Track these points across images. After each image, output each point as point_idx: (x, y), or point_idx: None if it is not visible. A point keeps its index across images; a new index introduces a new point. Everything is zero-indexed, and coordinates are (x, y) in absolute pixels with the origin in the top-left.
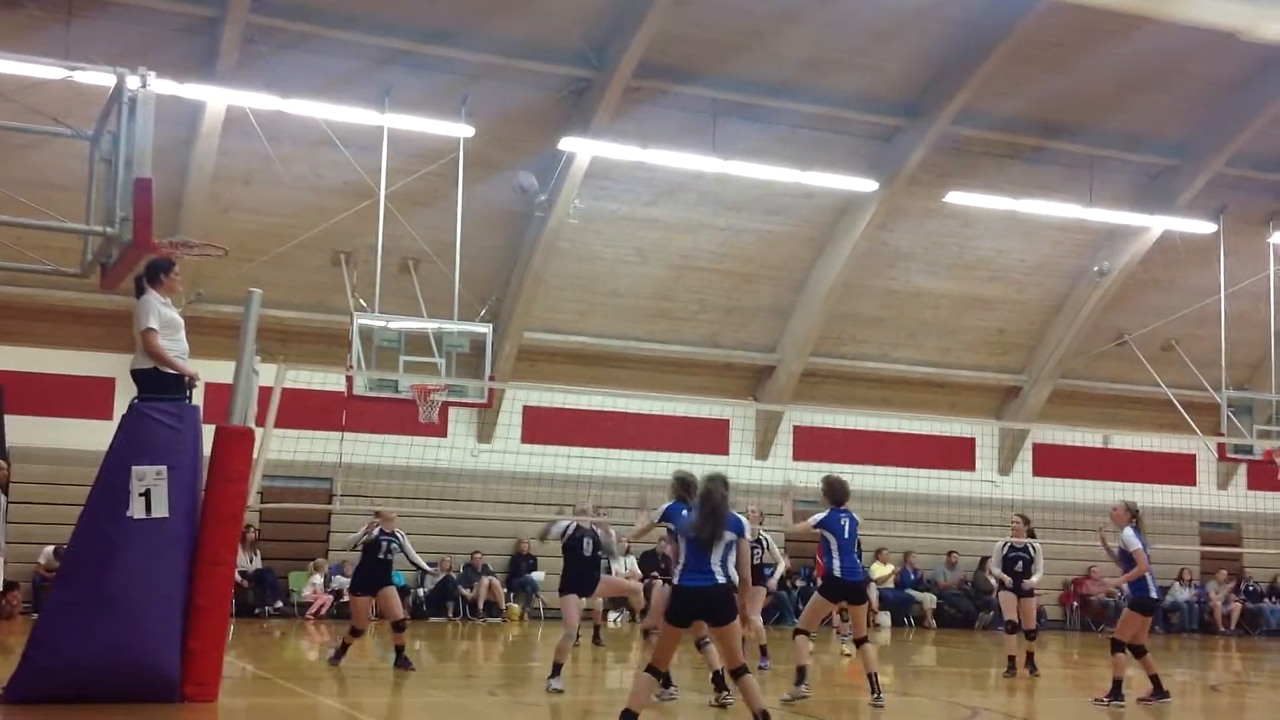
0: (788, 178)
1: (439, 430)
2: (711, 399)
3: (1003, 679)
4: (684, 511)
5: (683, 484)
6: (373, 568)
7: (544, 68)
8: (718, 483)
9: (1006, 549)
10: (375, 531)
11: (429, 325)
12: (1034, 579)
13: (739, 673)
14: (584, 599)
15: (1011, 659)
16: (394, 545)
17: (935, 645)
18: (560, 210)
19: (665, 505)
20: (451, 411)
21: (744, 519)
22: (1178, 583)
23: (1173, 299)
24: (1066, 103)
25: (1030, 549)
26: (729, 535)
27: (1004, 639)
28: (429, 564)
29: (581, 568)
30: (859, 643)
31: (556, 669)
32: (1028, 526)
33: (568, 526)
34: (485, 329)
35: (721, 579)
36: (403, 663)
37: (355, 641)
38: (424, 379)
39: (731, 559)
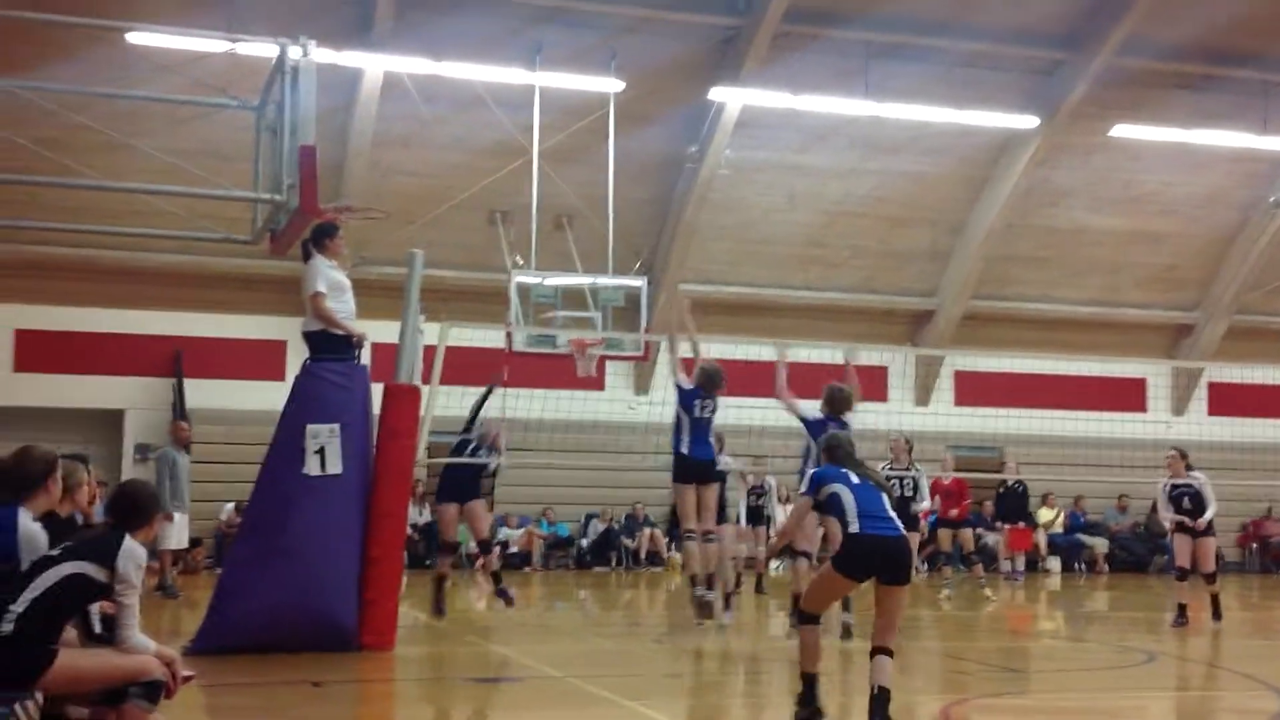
0: (944, 118)
1: (596, 384)
2: (869, 345)
3: (1172, 627)
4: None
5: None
6: (459, 471)
7: (692, 18)
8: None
9: (1169, 489)
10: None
11: (584, 280)
12: (1206, 516)
13: (883, 650)
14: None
15: (1182, 606)
16: (480, 449)
17: (1107, 590)
18: (711, 160)
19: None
20: (608, 364)
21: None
22: None
23: None
24: (1236, 27)
25: (1195, 483)
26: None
27: (1175, 585)
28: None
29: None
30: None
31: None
32: (1185, 461)
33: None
34: (640, 282)
35: (903, 531)
36: (502, 593)
37: (449, 569)
38: (581, 333)
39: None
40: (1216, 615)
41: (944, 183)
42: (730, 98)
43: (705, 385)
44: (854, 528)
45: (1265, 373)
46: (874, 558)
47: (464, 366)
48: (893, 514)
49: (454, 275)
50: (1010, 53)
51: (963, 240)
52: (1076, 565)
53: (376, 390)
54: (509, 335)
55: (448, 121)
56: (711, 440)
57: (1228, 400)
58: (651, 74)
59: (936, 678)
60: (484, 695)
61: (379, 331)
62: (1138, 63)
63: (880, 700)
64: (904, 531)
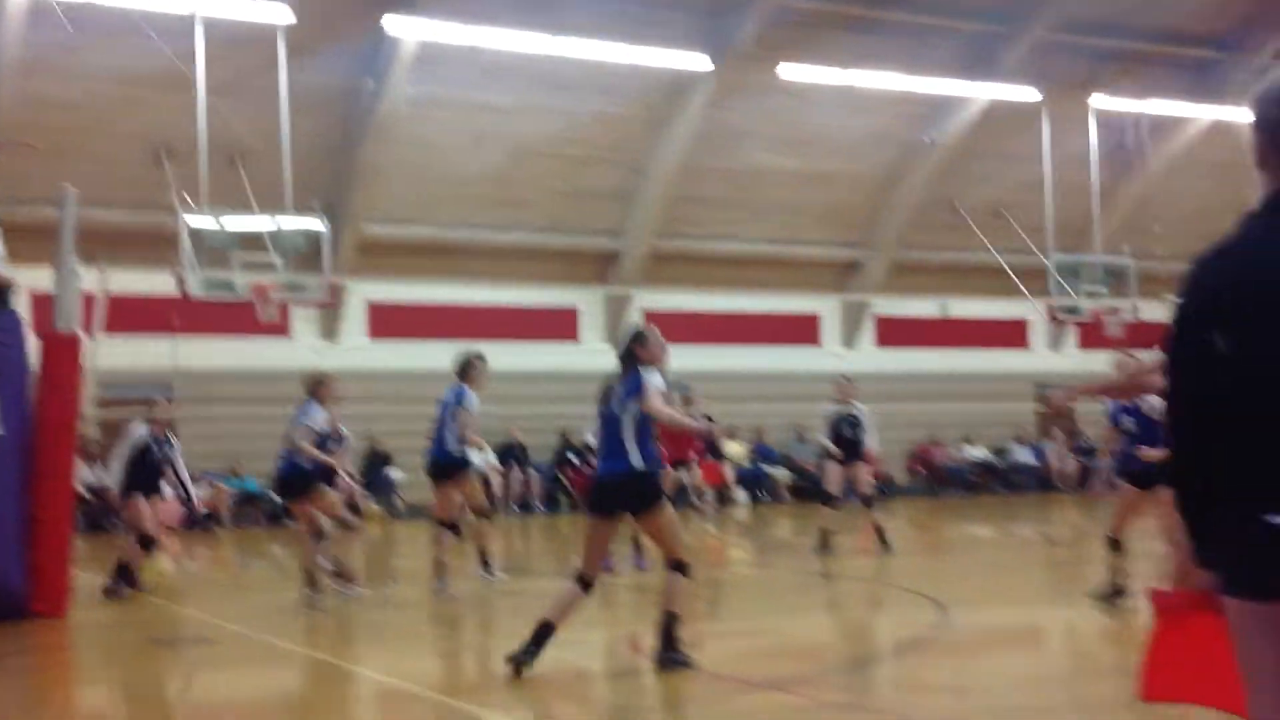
0: (618, 55)
1: (281, 330)
2: (559, 285)
3: (814, 553)
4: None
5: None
6: (145, 472)
7: None
8: (628, 336)
9: (834, 416)
10: (143, 433)
11: (262, 222)
12: (871, 443)
13: (675, 566)
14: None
15: (824, 533)
16: (167, 451)
17: (790, 518)
18: (390, 96)
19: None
20: (293, 310)
21: (653, 373)
22: (1015, 443)
23: (1000, 167)
24: None
25: (858, 412)
26: (634, 397)
27: (821, 512)
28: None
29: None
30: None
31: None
32: (852, 388)
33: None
34: (322, 223)
35: (637, 463)
36: (131, 580)
37: (145, 559)
38: (261, 277)
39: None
40: (884, 543)
41: (626, 123)
42: (403, 29)
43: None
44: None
45: (924, 305)
46: (596, 495)
47: (133, 313)
48: (627, 446)
49: (118, 216)
50: None
51: (647, 180)
52: (761, 495)
53: (33, 342)
54: (181, 281)
55: (104, 51)
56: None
57: (893, 332)
58: (322, 3)
59: (633, 611)
60: (169, 658)
61: (35, 278)
62: (802, 4)
63: (661, 624)
64: (634, 465)
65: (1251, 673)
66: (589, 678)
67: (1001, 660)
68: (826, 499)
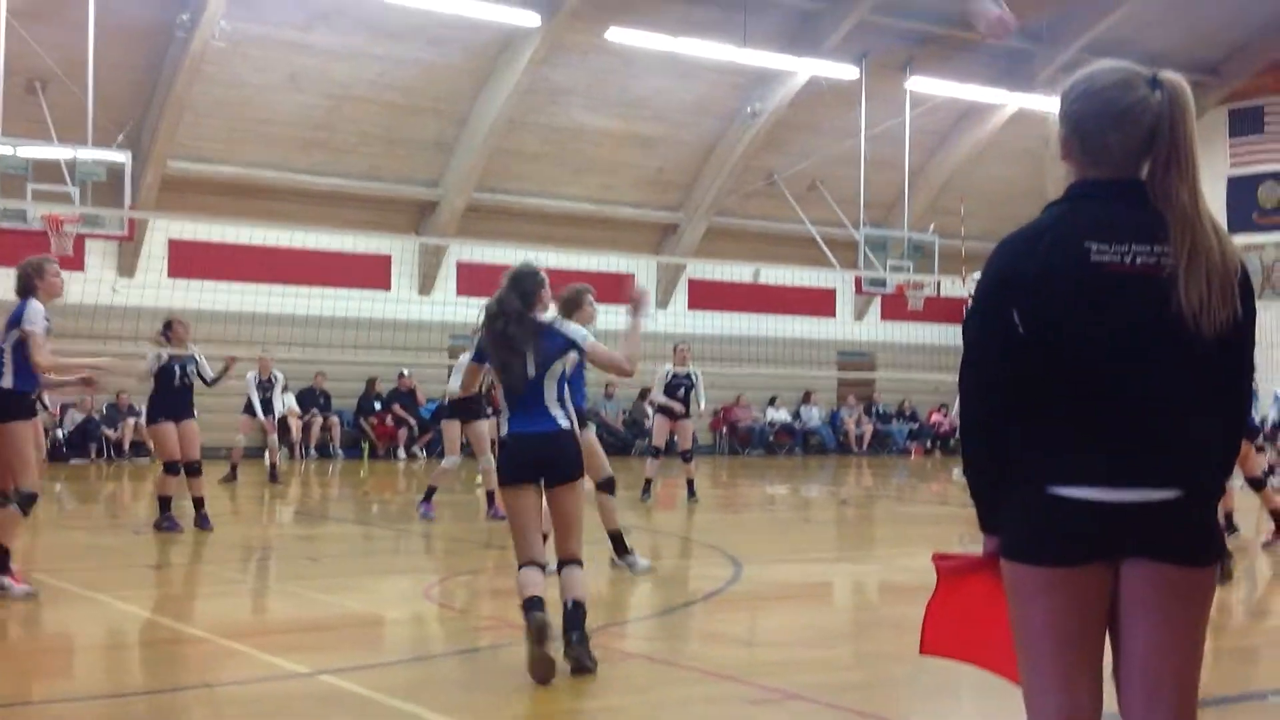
0: (448, 7)
1: (75, 264)
2: (373, 232)
3: (640, 501)
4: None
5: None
6: (171, 395)
7: None
8: (513, 283)
9: (670, 376)
10: (165, 356)
11: (60, 151)
12: (702, 405)
13: (567, 561)
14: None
15: (648, 481)
16: (191, 369)
17: None
18: (204, 30)
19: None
20: (88, 244)
21: (577, 328)
22: (803, 405)
23: (818, 141)
24: None
25: (693, 376)
26: (560, 357)
27: (647, 463)
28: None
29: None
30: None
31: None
32: (688, 352)
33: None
34: (123, 156)
35: (564, 423)
36: (202, 521)
37: (173, 484)
38: (56, 208)
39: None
40: (692, 495)
41: (450, 74)
42: None
43: None
44: (504, 428)
45: (737, 270)
46: (527, 456)
47: None
48: (551, 409)
49: None
50: None
51: (467, 132)
52: None
53: None
54: None
55: None
56: None
57: (705, 295)
58: None
59: (427, 556)
60: None
61: None
62: None
63: (573, 615)
64: (562, 425)
65: (1022, 633)
66: (379, 624)
67: (790, 614)
68: (654, 452)
